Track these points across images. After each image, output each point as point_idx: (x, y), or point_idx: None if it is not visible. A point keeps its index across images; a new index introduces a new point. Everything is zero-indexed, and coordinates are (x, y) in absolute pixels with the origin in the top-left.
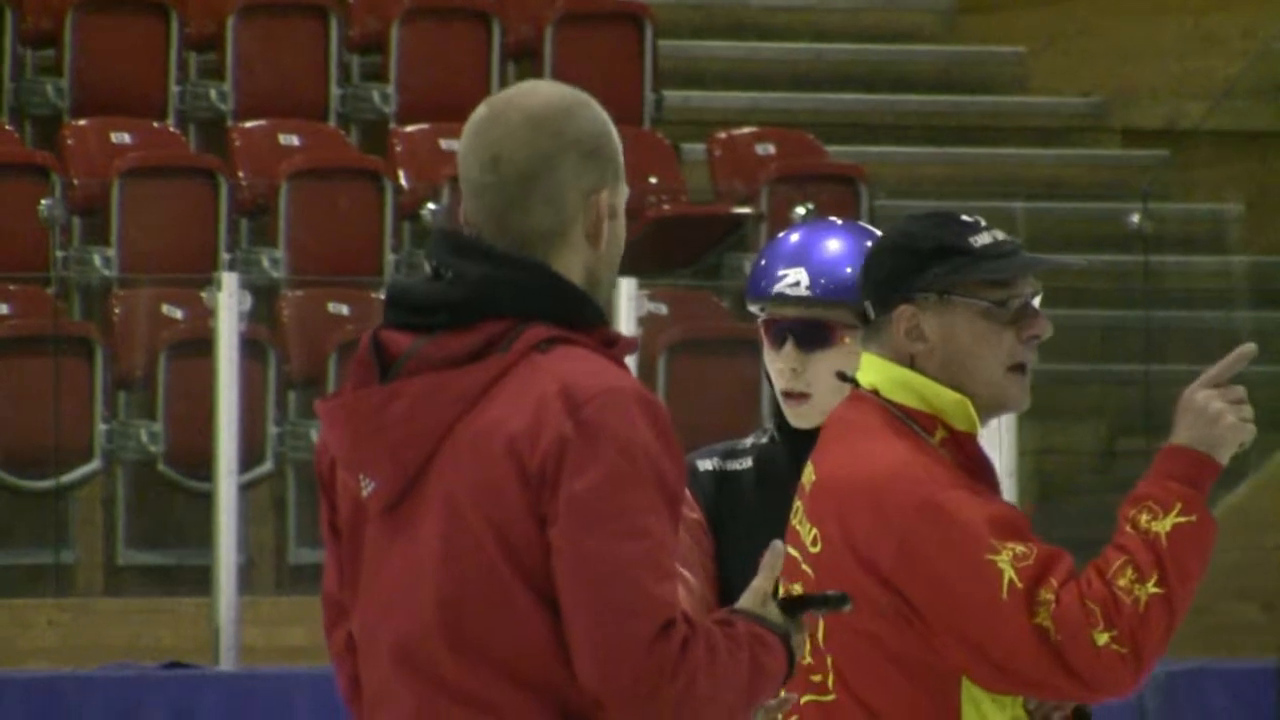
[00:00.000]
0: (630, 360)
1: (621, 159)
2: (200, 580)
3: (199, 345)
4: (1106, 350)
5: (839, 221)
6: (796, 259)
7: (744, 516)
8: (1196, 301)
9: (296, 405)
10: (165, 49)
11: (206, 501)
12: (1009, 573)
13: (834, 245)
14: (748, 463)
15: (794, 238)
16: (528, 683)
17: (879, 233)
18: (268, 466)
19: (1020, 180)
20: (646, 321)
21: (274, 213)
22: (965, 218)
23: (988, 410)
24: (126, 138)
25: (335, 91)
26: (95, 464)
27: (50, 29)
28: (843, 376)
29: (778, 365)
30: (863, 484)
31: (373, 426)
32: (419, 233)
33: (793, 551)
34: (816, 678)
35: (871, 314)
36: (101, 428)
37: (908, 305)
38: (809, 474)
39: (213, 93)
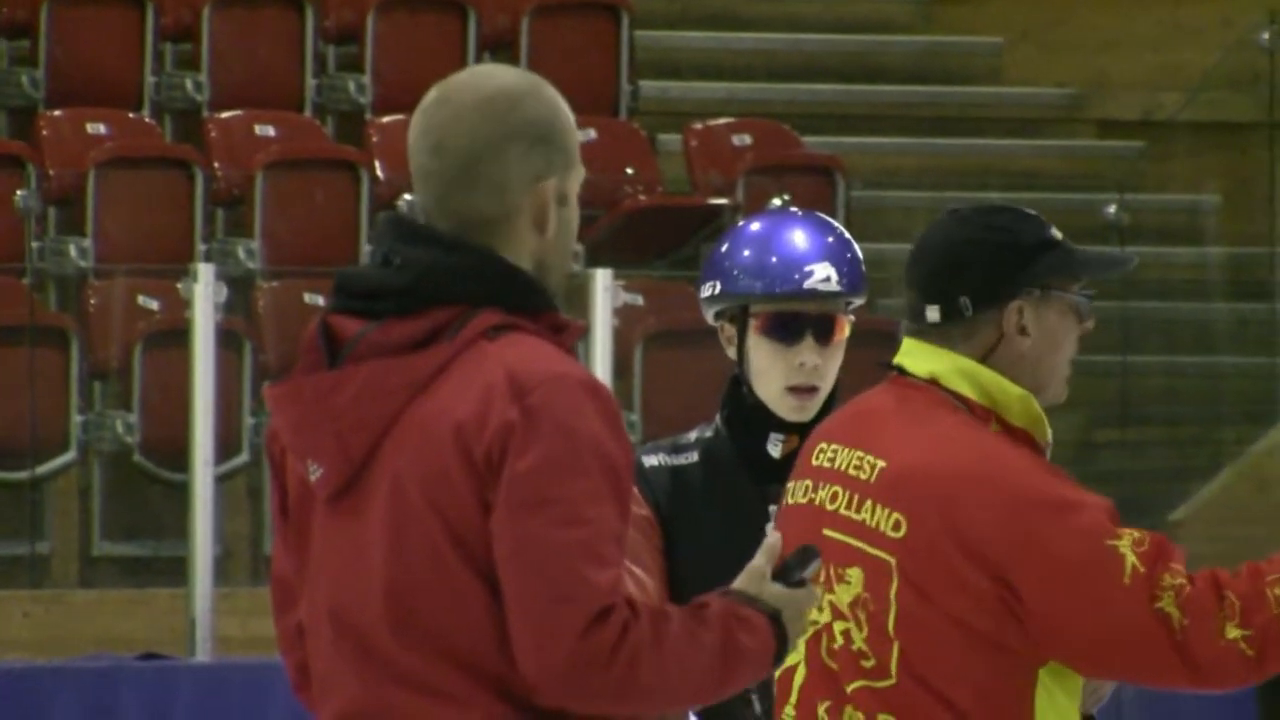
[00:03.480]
0: (606, 351)
1: (575, 144)
2: (176, 571)
3: (175, 336)
4: (1083, 342)
5: (799, 211)
6: (815, 253)
7: (693, 510)
8: (1173, 293)
9: None
10: (140, 39)
11: (182, 492)
12: (1131, 558)
13: (838, 240)
14: (694, 457)
15: (756, 227)
16: (473, 667)
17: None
18: (243, 458)
19: (996, 171)
20: (623, 312)
21: (249, 204)
22: (1032, 212)
23: (1042, 406)
24: (101, 128)
25: (310, 82)
26: (71, 455)
27: (25, 19)
28: (886, 365)
29: (795, 360)
30: (970, 473)
31: (320, 412)
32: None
33: (844, 537)
34: (868, 663)
35: (969, 309)
36: (77, 419)
37: (1017, 300)
38: (862, 458)
39: (188, 83)
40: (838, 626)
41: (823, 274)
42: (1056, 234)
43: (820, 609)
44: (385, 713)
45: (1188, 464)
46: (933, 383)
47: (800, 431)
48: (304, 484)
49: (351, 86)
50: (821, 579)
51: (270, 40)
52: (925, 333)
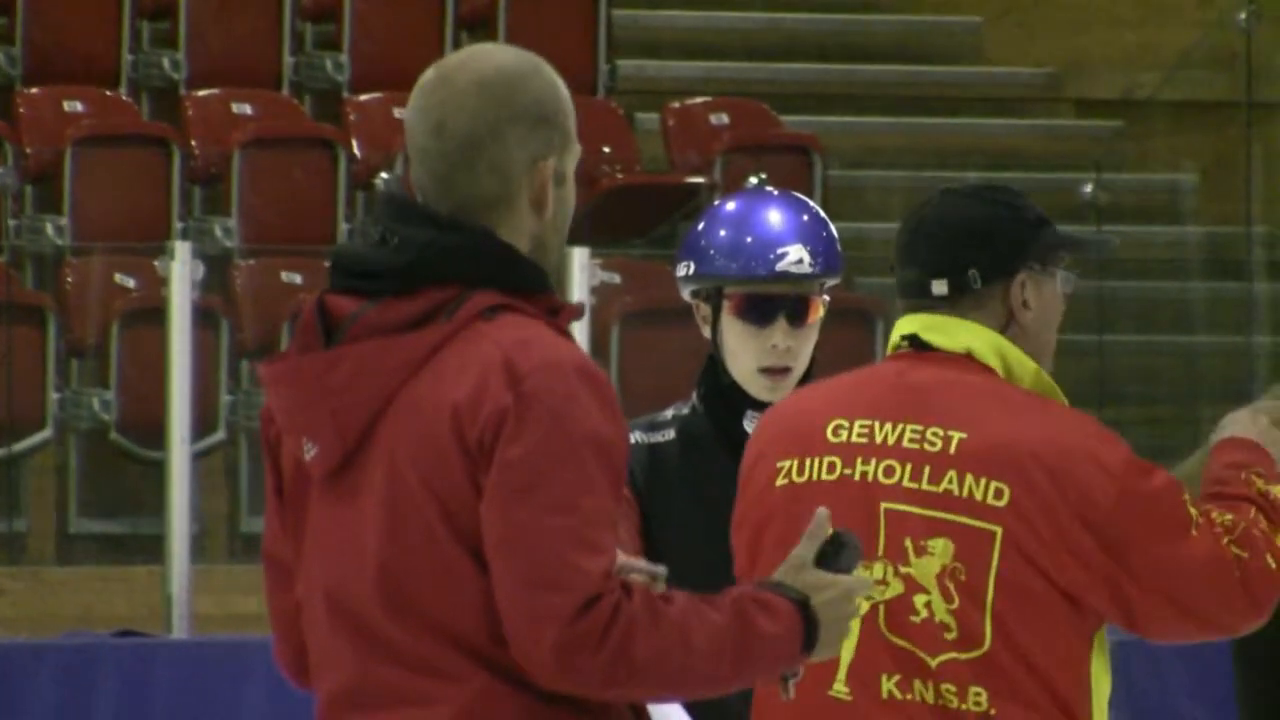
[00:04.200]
0: (584, 330)
1: (573, 123)
2: (153, 549)
3: (152, 314)
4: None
5: (775, 191)
6: (789, 235)
7: (670, 487)
8: (1150, 272)
9: (250, 374)
10: (118, 17)
11: (159, 470)
12: (1193, 511)
13: (813, 220)
14: (671, 434)
15: (732, 206)
16: (467, 645)
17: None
18: (220, 435)
19: (975, 150)
20: (600, 291)
21: (226, 182)
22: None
23: None
24: (79, 106)
25: (288, 60)
26: (47, 432)
27: None
28: (914, 340)
29: (768, 342)
30: (1074, 445)
31: (315, 391)
32: (372, 201)
33: (920, 510)
34: (951, 635)
35: (978, 281)
36: (54, 396)
37: (1022, 273)
38: (923, 431)
39: (165, 61)
40: (918, 599)
41: (796, 256)
42: (1043, 214)
43: (885, 583)
44: (380, 690)
45: (1165, 443)
46: (968, 356)
47: None
48: (299, 464)
49: (329, 65)
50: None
51: (248, 18)
52: (933, 307)
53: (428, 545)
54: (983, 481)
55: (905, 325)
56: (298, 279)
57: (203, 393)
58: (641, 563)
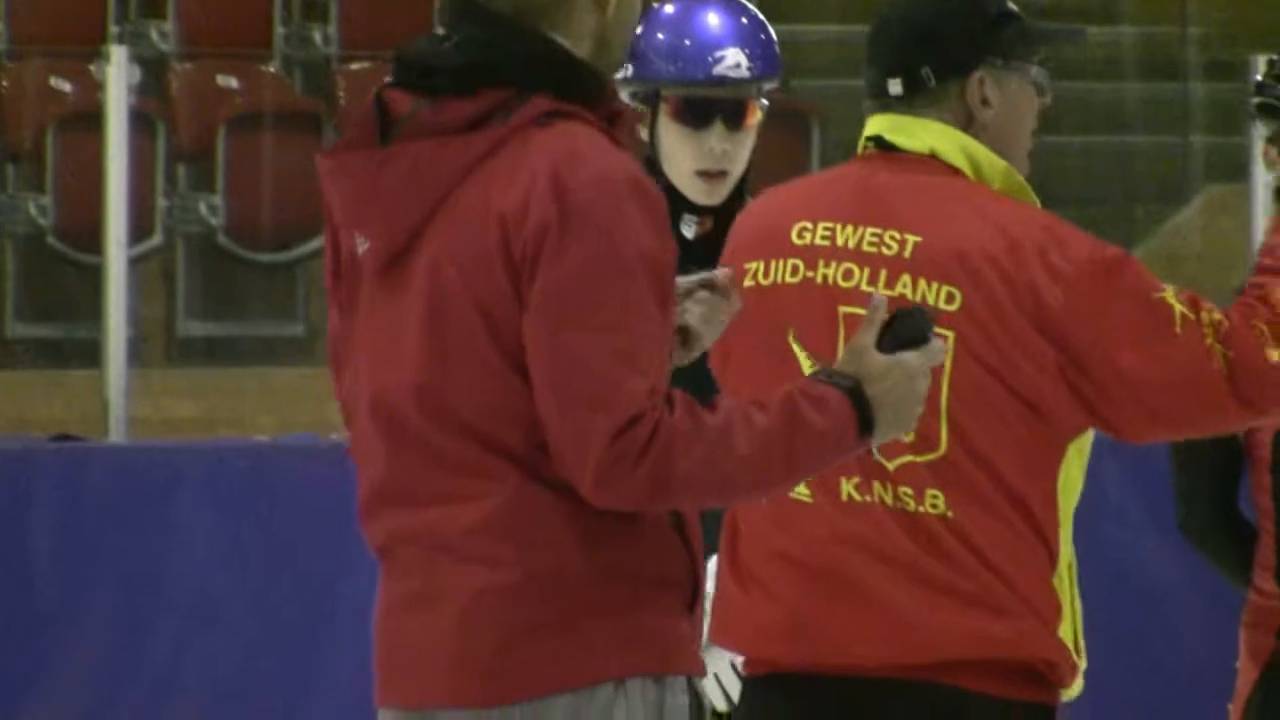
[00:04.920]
0: None
1: None
2: (90, 353)
3: (88, 119)
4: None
5: None
6: (727, 38)
7: None
8: (1086, 73)
9: (186, 178)
10: None
11: (96, 275)
12: (1178, 307)
13: (752, 23)
14: None
15: (671, 9)
16: (504, 449)
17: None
18: (158, 240)
19: None
20: None
21: None
22: None
23: None
24: None
25: None
26: None
27: None
28: (879, 141)
29: (705, 145)
30: (1027, 242)
31: (370, 187)
32: (307, 4)
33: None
34: (907, 438)
35: (931, 80)
36: None
37: (979, 70)
38: (881, 234)
39: None
40: None
41: (734, 60)
42: (1013, 8)
43: None
44: (417, 487)
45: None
46: (931, 157)
47: (714, 212)
48: (352, 255)
49: None
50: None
51: None
52: (891, 106)
53: (468, 353)
54: (935, 285)
55: (872, 126)
56: (234, 83)
57: (139, 197)
58: (699, 276)
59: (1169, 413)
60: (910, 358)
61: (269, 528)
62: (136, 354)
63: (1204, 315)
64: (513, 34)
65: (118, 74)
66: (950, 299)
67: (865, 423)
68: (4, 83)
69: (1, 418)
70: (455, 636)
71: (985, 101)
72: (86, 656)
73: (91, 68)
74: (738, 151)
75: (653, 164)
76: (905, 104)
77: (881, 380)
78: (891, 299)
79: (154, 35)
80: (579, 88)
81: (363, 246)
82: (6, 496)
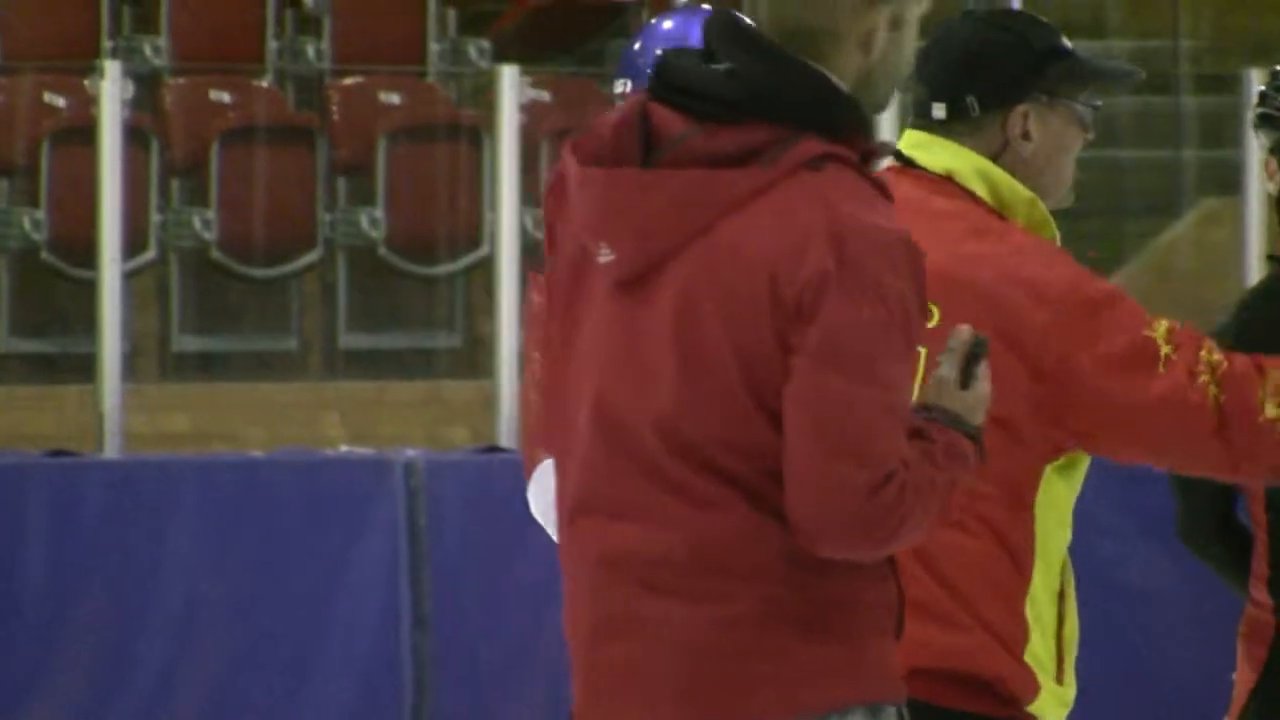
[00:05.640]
0: (512, 148)
1: None
2: (84, 368)
3: (82, 133)
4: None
5: (710, 8)
6: None
7: None
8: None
9: (179, 193)
10: None
11: (90, 289)
12: (1165, 348)
13: None
14: None
15: (669, 24)
16: (736, 480)
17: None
18: (151, 254)
19: None
20: (529, 109)
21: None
22: (1044, 19)
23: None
24: None
25: None
26: None
27: None
28: (898, 155)
29: None
30: (1016, 271)
31: (628, 205)
32: (301, 18)
33: None
34: None
35: (975, 109)
36: None
37: (1024, 104)
38: None
39: None
40: None
41: None
42: (1067, 43)
43: None
44: (634, 503)
45: (1092, 257)
46: (948, 178)
47: None
48: (584, 256)
49: None
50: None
51: None
52: (932, 129)
53: (718, 390)
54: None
55: (902, 140)
56: (226, 97)
57: (133, 212)
58: (961, 339)
59: (1156, 447)
60: (985, 389)
61: (261, 541)
62: (130, 368)
63: (1204, 355)
64: (789, 68)
65: (111, 89)
66: (928, 316)
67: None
68: None
69: None
70: (679, 666)
71: (1026, 135)
72: (79, 668)
73: (85, 82)
74: None
75: None
76: (946, 129)
77: (975, 413)
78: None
79: (147, 50)
80: (845, 126)
81: (605, 257)
82: (1, 511)
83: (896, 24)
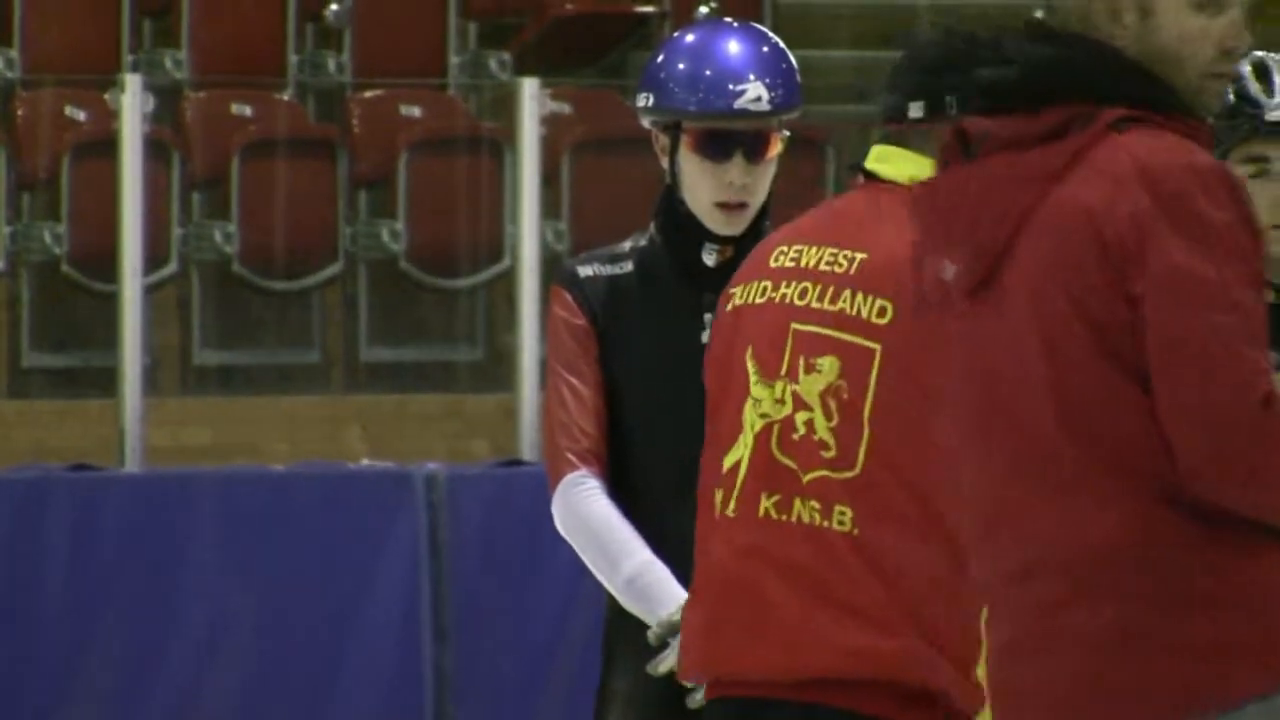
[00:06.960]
0: (534, 160)
1: None
2: (105, 382)
3: (102, 147)
4: None
5: (734, 23)
6: (748, 70)
7: (629, 319)
8: None
9: (200, 206)
10: None
11: (111, 303)
12: None
13: (773, 52)
14: (629, 266)
15: (692, 38)
16: (1119, 468)
17: (769, 33)
18: (172, 268)
19: None
20: (550, 121)
21: (176, 12)
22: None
23: None
24: None
25: None
26: None
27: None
28: (855, 168)
29: (724, 178)
30: None
31: (950, 209)
32: (321, 31)
33: (816, 328)
34: (829, 453)
35: (954, 108)
36: (5, 230)
37: None
38: (836, 253)
39: None
40: (800, 416)
41: (754, 94)
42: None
43: (781, 401)
44: (1038, 514)
45: None
46: (910, 187)
47: (735, 242)
48: (938, 284)
49: None
50: None
51: None
52: (903, 134)
53: (1088, 365)
54: (870, 299)
55: (868, 157)
56: (248, 110)
57: (154, 225)
58: None
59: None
60: None
61: (283, 555)
62: (151, 382)
63: None
64: (1077, 46)
65: (132, 102)
66: (882, 313)
67: None
68: (19, 111)
69: (17, 447)
70: (1088, 666)
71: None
72: (102, 684)
73: (106, 96)
74: (757, 184)
75: (673, 193)
76: (919, 131)
77: None
78: (831, 314)
79: (168, 63)
80: (1146, 94)
81: (949, 272)
82: (23, 525)
83: (1145, 11)
